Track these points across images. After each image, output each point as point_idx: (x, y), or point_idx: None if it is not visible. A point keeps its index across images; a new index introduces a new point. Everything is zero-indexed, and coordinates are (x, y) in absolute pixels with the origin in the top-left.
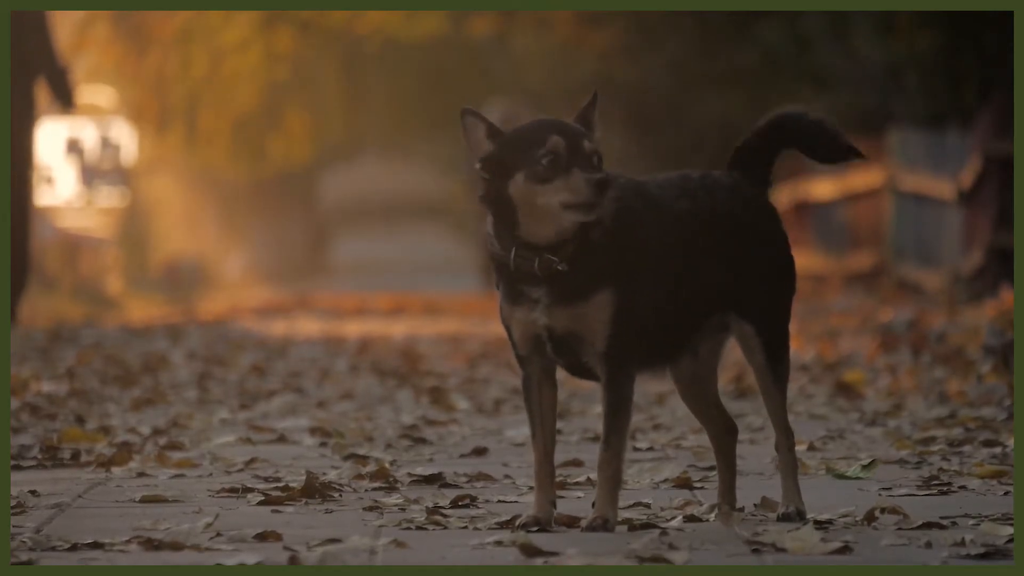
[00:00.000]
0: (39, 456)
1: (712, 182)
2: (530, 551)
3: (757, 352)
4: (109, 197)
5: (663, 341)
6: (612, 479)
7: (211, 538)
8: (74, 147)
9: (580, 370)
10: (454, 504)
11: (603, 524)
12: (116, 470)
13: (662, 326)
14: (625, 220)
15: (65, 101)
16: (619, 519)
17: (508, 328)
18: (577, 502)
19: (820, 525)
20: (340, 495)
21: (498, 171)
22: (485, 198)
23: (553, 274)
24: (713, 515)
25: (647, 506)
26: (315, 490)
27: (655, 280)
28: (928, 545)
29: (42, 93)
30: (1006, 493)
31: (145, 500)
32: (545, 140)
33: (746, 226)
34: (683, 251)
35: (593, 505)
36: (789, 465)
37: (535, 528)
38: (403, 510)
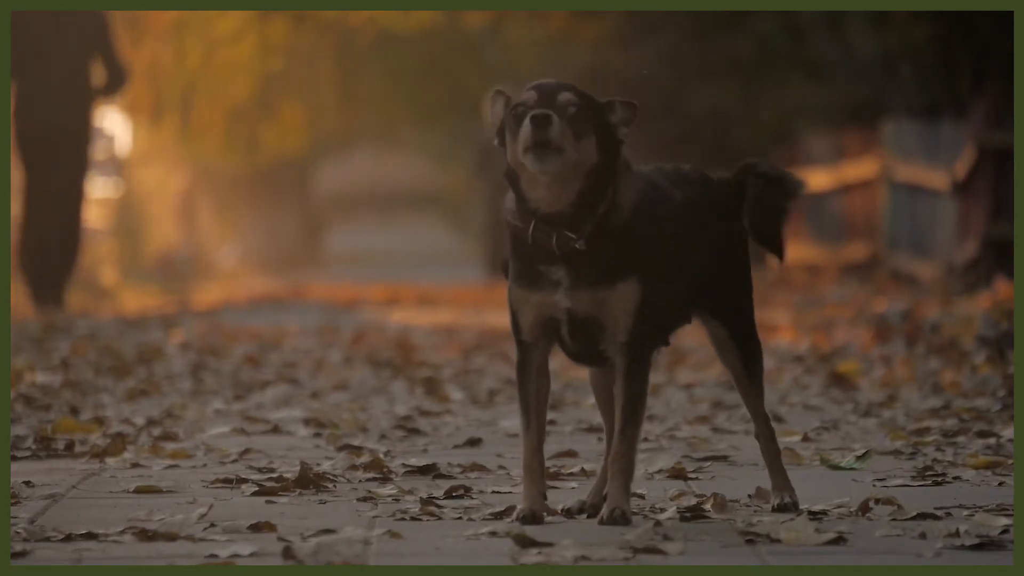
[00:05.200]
0: (33, 447)
1: (700, 176)
2: (524, 542)
3: (732, 355)
4: (103, 188)
5: (662, 335)
6: (626, 469)
7: (205, 529)
8: None
9: (589, 356)
10: (448, 495)
11: (622, 516)
12: (110, 461)
13: (665, 320)
14: (645, 210)
15: (113, 93)
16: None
17: (516, 312)
18: (571, 492)
19: (814, 516)
20: (334, 486)
21: (503, 140)
22: (504, 172)
23: (571, 252)
24: (578, 508)
25: (641, 497)
26: (309, 481)
27: (671, 272)
28: (922, 536)
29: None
30: (1000, 484)
31: (139, 491)
32: (522, 96)
33: (723, 223)
34: (686, 245)
35: (607, 497)
36: (774, 455)
37: (532, 522)
38: (397, 501)
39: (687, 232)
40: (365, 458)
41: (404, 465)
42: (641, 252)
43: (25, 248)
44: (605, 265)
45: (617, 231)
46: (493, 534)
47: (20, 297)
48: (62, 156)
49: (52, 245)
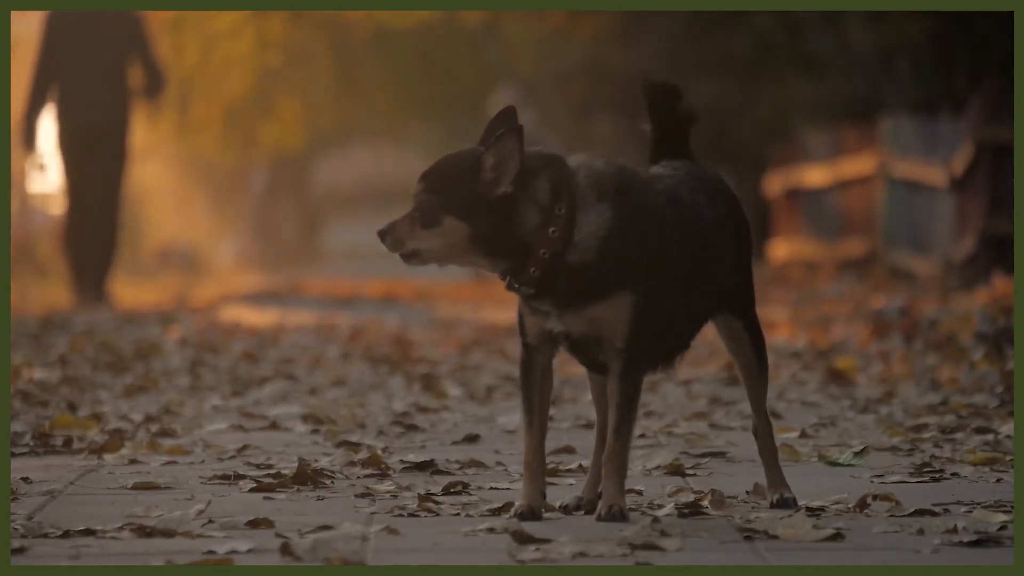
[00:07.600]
0: (31, 443)
1: (711, 176)
2: (522, 538)
3: (746, 347)
4: None
5: (674, 339)
6: (620, 468)
7: (203, 525)
8: None
9: (596, 366)
10: (446, 491)
11: (619, 512)
12: (108, 457)
13: (675, 324)
14: (628, 230)
15: (154, 96)
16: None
17: (522, 316)
18: (569, 489)
19: (812, 512)
20: (332, 482)
21: None
22: None
23: (546, 287)
24: (573, 503)
25: (639, 493)
26: (307, 477)
27: (675, 280)
28: (920, 532)
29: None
30: (999, 480)
31: (137, 487)
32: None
33: (732, 220)
34: (695, 249)
35: (602, 494)
36: (772, 451)
37: (531, 518)
38: (395, 497)
39: (696, 238)
40: (363, 454)
41: (402, 461)
42: (631, 268)
43: (68, 243)
44: (587, 290)
45: (589, 263)
46: (491, 530)
47: (58, 291)
48: (102, 153)
49: (93, 240)
